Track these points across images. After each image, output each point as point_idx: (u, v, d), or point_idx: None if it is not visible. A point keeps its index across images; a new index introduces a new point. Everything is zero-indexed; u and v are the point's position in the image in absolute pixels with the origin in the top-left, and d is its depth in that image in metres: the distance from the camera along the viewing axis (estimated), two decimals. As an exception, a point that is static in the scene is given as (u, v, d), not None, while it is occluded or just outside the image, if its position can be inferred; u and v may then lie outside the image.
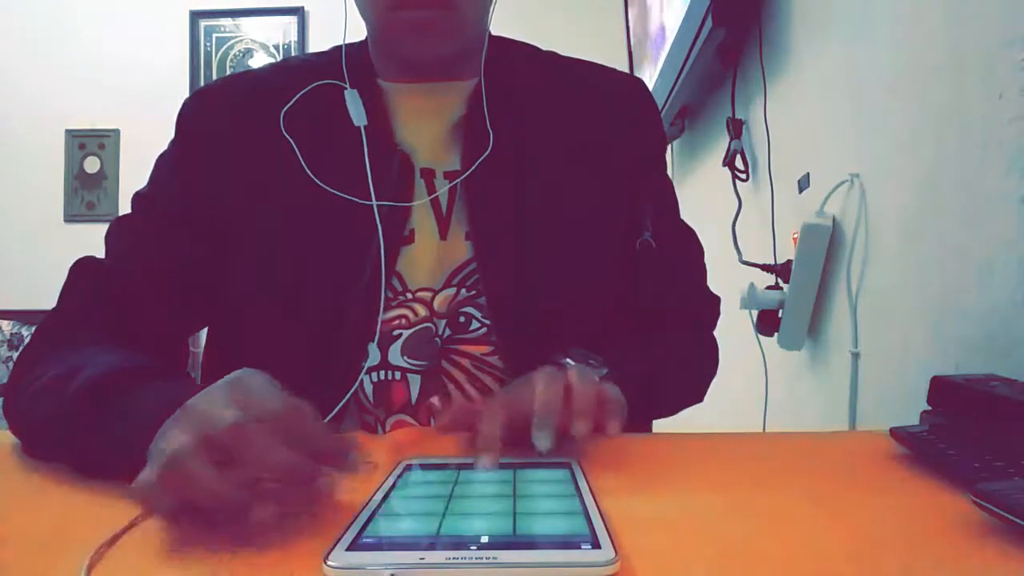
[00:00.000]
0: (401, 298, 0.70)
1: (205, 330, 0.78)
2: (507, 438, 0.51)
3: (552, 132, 0.75)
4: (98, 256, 0.72)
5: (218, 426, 0.39)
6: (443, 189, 0.71)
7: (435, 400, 0.69)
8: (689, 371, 0.80)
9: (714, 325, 0.85)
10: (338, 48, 0.77)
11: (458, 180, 0.71)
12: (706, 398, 0.81)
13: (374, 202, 0.68)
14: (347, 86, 0.72)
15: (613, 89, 0.80)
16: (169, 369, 0.57)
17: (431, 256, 0.70)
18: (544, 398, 0.51)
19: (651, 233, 0.75)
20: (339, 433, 0.44)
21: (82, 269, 0.71)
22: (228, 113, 0.74)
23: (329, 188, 0.68)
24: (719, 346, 0.83)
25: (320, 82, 0.73)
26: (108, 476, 0.48)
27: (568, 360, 0.62)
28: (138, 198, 0.74)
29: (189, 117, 0.75)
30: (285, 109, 0.72)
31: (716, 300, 0.85)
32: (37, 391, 0.56)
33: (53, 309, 0.69)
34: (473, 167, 0.70)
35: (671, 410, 0.77)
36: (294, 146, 0.70)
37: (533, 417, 0.50)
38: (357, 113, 0.71)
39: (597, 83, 0.80)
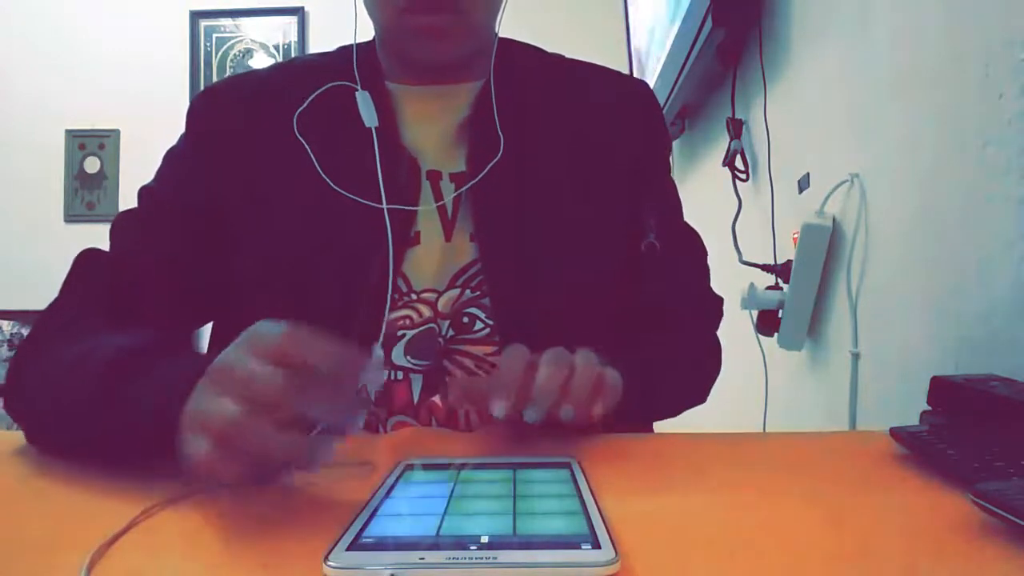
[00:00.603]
0: (406, 299, 0.70)
1: (208, 327, 0.78)
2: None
3: (557, 134, 0.75)
4: (103, 248, 0.72)
5: (258, 383, 0.40)
6: (451, 196, 0.71)
7: (437, 399, 0.69)
8: (692, 372, 0.80)
9: (717, 326, 0.85)
10: (344, 49, 0.77)
11: (468, 186, 0.71)
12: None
13: (384, 205, 0.68)
14: (358, 87, 0.72)
15: (618, 92, 0.80)
16: (184, 346, 0.57)
17: (436, 257, 0.71)
18: (546, 380, 0.53)
19: (656, 235, 0.76)
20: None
21: (86, 261, 0.70)
22: (237, 112, 0.74)
23: (340, 190, 0.68)
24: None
25: (333, 83, 0.73)
26: (136, 454, 0.48)
27: None
28: (145, 192, 0.74)
29: (199, 114, 0.75)
30: (299, 111, 0.72)
31: (719, 301, 0.85)
32: (51, 379, 0.55)
33: (56, 300, 0.68)
34: (484, 171, 0.70)
35: (674, 411, 0.77)
36: (307, 147, 0.70)
37: (535, 394, 0.52)
38: (369, 115, 0.71)
39: (602, 86, 0.80)
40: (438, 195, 0.72)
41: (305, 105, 0.72)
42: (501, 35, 0.79)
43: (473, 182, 0.70)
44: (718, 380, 0.83)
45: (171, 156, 0.75)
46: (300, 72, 0.76)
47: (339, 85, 0.73)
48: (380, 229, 0.68)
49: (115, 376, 0.50)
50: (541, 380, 0.53)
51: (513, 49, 0.79)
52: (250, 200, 0.71)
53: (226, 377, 0.42)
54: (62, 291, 0.69)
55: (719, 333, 0.84)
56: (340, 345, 0.43)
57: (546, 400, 0.52)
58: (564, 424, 0.54)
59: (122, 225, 0.73)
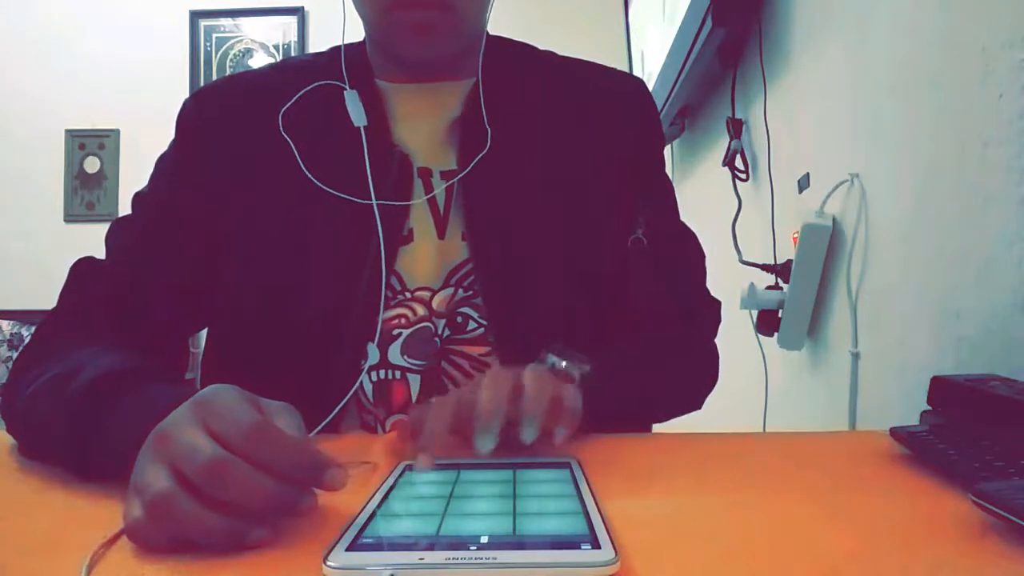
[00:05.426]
0: (400, 297, 0.70)
1: (205, 330, 0.78)
2: (451, 440, 0.51)
3: (550, 131, 0.75)
4: (98, 257, 0.72)
5: (194, 462, 0.37)
6: (440, 188, 0.71)
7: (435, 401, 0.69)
8: (680, 376, 0.78)
9: (714, 331, 0.83)
10: (337, 48, 0.77)
11: (455, 179, 0.71)
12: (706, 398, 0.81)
13: (374, 201, 0.68)
14: (347, 87, 0.72)
15: (612, 88, 0.80)
16: (165, 371, 0.57)
17: (429, 255, 0.70)
18: (488, 402, 0.49)
19: (644, 232, 0.75)
20: (316, 445, 0.41)
21: (81, 270, 0.71)
22: (228, 113, 0.74)
23: (328, 188, 0.68)
24: (719, 347, 0.82)
25: (319, 83, 0.73)
26: (98, 481, 0.48)
27: (549, 356, 0.62)
28: (138, 199, 0.74)
29: (189, 117, 0.75)
30: (284, 109, 0.72)
31: (717, 304, 0.83)
32: (35, 393, 0.56)
33: (52, 310, 0.69)
34: (471, 166, 0.70)
35: (663, 414, 0.76)
36: (292, 146, 0.70)
37: (475, 421, 0.49)
38: (357, 114, 0.71)
39: (596, 82, 0.80)
40: (429, 192, 0.72)
41: (290, 104, 0.72)
42: (495, 34, 0.79)
43: (460, 175, 0.70)
44: (718, 379, 0.82)
45: (163, 161, 0.76)
46: (291, 72, 0.76)
47: (330, 85, 0.73)
48: (371, 227, 0.68)
49: (89, 403, 0.50)
50: (481, 404, 0.49)
51: (505, 47, 0.79)
52: (242, 201, 0.71)
53: (167, 446, 0.39)
54: (60, 301, 0.69)
55: (719, 337, 0.83)
56: (307, 444, 0.40)
57: (490, 424, 0.49)
58: (529, 446, 0.51)
59: (117, 232, 0.73)
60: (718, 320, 0.83)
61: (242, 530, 0.37)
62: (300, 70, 0.75)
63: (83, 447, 0.49)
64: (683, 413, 0.78)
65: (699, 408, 0.79)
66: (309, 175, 0.69)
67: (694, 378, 0.80)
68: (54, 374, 0.55)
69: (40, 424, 0.54)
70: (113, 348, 0.60)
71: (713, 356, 0.81)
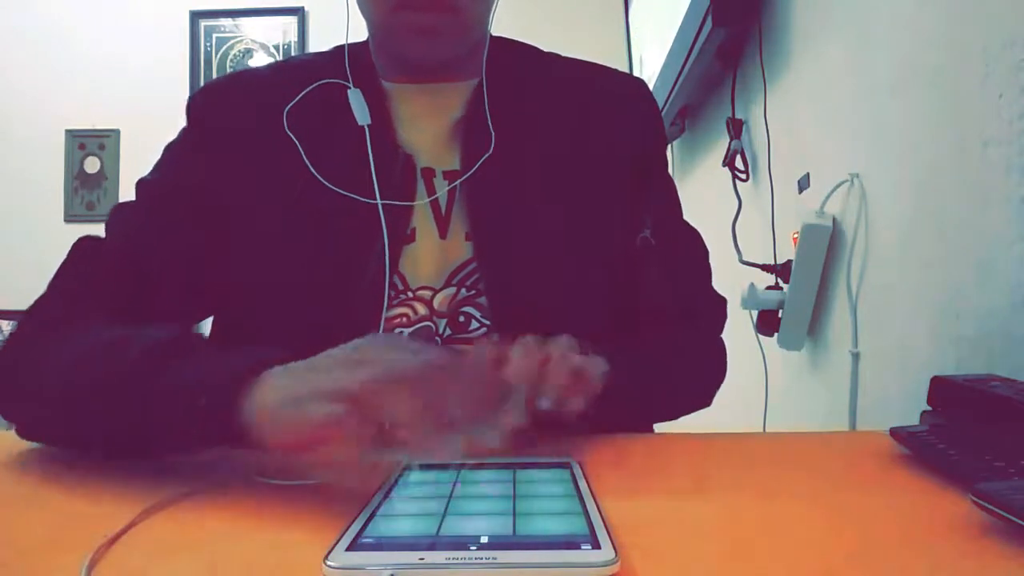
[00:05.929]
0: (402, 296, 0.70)
1: (207, 323, 0.78)
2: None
3: (553, 132, 0.75)
4: (99, 236, 0.71)
5: (407, 363, 0.39)
6: (443, 190, 0.71)
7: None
8: (690, 373, 0.79)
9: (720, 328, 0.83)
10: (341, 48, 0.77)
11: (458, 181, 0.71)
12: (706, 398, 0.81)
13: (379, 201, 0.68)
14: (351, 85, 0.73)
15: (614, 89, 0.80)
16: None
17: (432, 255, 0.70)
18: (517, 370, 0.51)
19: (651, 232, 0.75)
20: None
21: (82, 250, 0.69)
22: (237, 108, 0.74)
23: (334, 187, 0.68)
24: (721, 347, 0.82)
25: (324, 81, 0.73)
26: (176, 438, 0.47)
27: None
28: (143, 184, 0.74)
29: (199, 109, 0.75)
30: (288, 107, 0.72)
31: (722, 302, 0.83)
32: (68, 365, 0.53)
33: (48, 290, 0.67)
34: (474, 168, 0.70)
35: (672, 413, 0.76)
36: (297, 144, 0.70)
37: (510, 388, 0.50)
38: (361, 113, 0.71)
39: (598, 83, 0.80)
40: (432, 192, 0.72)
41: (295, 102, 0.72)
42: (497, 35, 0.79)
43: (464, 177, 0.70)
44: (726, 373, 0.82)
45: (171, 149, 0.75)
46: (296, 71, 0.76)
47: (334, 84, 0.73)
48: (375, 226, 0.68)
49: (160, 356, 0.49)
50: (512, 371, 0.51)
51: (508, 48, 0.79)
52: (247, 196, 0.71)
53: (368, 355, 0.41)
54: (55, 281, 0.67)
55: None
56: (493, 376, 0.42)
57: (520, 392, 0.50)
58: (547, 419, 0.51)
59: (120, 216, 0.72)
60: (723, 316, 0.83)
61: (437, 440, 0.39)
62: (305, 69, 0.76)
63: (146, 403, 0.47)
64: (693, 411, 0.78)
65: (709, 404, 0.79)
66: (315, 173, 0.69)
67: (702, 376, 0.80)
68: (95, 342, 0.53)
69: (81, 396, 0.51)
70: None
71: (721, 352, 0.81)
